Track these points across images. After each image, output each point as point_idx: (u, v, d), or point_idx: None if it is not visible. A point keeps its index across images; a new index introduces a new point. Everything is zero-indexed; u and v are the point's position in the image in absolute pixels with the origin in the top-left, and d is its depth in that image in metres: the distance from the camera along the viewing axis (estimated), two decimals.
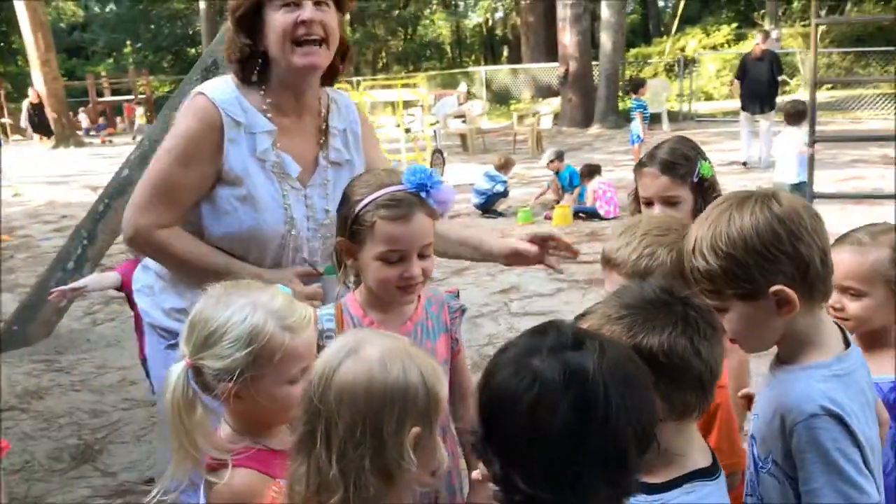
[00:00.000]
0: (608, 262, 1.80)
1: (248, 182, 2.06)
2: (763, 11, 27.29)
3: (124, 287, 3.63)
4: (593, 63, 19.90)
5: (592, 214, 9.34)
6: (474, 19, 38.63)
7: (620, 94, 20.49)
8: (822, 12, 25.16)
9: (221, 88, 2.09)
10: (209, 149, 2.04)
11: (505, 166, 10.20)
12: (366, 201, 1.78)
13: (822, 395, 1.40)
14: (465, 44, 40.58)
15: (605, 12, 18.95)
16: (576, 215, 9.38)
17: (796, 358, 1.49)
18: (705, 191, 2.37)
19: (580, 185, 9.73)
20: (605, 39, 18.88)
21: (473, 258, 2.40)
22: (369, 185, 1.82)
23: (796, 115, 8.43)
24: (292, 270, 2.12)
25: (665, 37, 30.82)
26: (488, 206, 9.90)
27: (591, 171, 9.65)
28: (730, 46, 26.66)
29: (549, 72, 23.00)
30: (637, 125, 12.36)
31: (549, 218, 9.39)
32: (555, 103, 19.43)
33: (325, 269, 2.15)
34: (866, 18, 24.66)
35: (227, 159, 2.05)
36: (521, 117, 17.51)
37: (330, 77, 2.22)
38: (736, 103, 14.14)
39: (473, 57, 38.93)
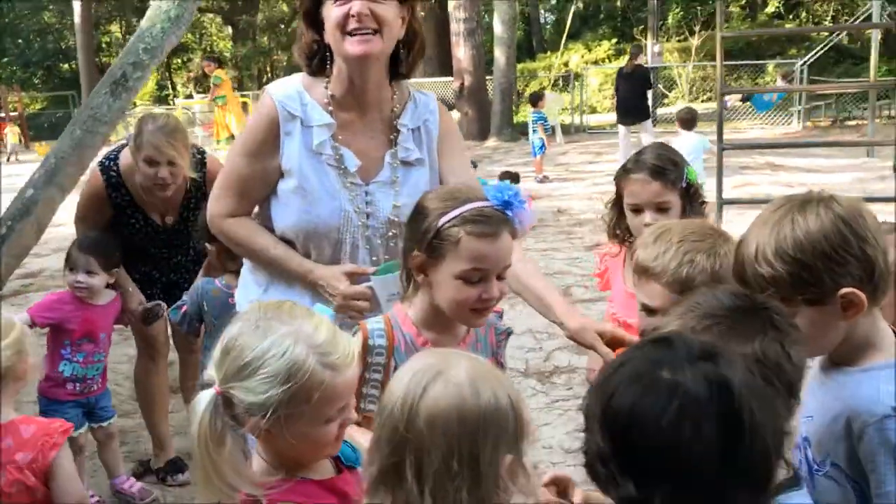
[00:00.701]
0: (645, 271, 1.76)
1: (300, 175, 2.09)
2: (642, 27, 28.46)
3: (36, 325, 3.27)
4: (487, 77, 20.17)
5: None
6: None
7: (514, 107, 20.86)
8: (697, 28, 26.66)
9: (285, 84, 2.17)
10: (268, 142, 2.12)
11: None
12: (451, 215, 1.69)
13: (892, 397, 1.40)
14: None
15: (497, 28, 19.26)
16: None
17: (856, 360, 1.49)
18: (692, 196, 2.39)
19: None
20: (499, 54, 19.15)
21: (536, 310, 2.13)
22: (451, 199, 1.73)
23: (691, 120, 9.13)
24: (341, 268, 2.08)
25: (548, 52, 31.67)
26: None
27: (511, 178, 9.73)
28: (611, 61, 27.64)
29: (444, 86, 23.14)
30: (539, 137, 12.59)
31: None
32: (455, 116, 19.54)
33: (379, 269, 2.05)
34: (769, 31, 26.11)
35: (283, 153, 2.11)
36: None
37: (398, 69, 2.18)
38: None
39: None
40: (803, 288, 1.41)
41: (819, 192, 1.50)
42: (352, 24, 1.99)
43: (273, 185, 2.15)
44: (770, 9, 29.00)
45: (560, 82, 24.94)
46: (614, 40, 30.37)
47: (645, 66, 15.04)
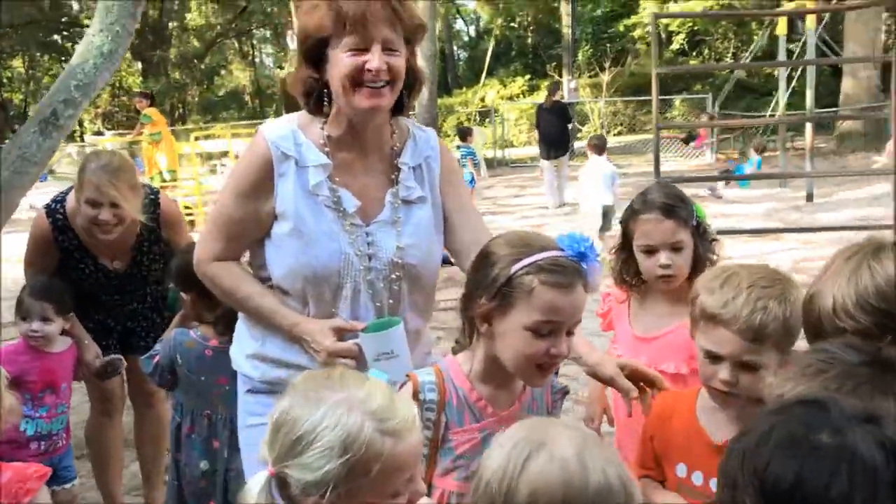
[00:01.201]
0: (712, 318, 1.69)
1: (296, 217, 1.99)
2: (554, 63, 29.16)
3: None
4: (410, 113, 20.25)
5: (445, 261, 9.33)
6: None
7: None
8: (607, 64, 27.51)
9: (279, 124, 2.07)
10: (259, 184, 2.02)
11: None
12: (525, 262, 1.59)
13: None
14: (266, 94, 39.97)
15: (420, 63, 19.38)
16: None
17: None
18: (701, 235, 2.35)
19: None
20: (423, 90, 19.27)
21: None
22: (524, 245, 1.63)
23: (601, 146, 9.60)
24: (329, 323, 1.94)
25: (464, 88, 32.11)
26: None
27: None
28: (525, 97, 28.22)
29: None
30: (469, 171, 12.66)
31: None
32: None
33: (369, 325, 1.91)
34: (704, 67, 27.13)
35: (277, 194, 2.01)
36: None
37: (398, 108, 2.08)
38: (536, 149, 15.01)
39: (274, 107, 38.35)
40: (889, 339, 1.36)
41: (882, 236, 1.48)
42: (366, 77, 1.90)
43: (266, 229, 2.04)
44: (675, 46, 30.14)
45: (477, 117, 25.25)
46: (527, 76, 31.04)
47: (563, 101, 15.44)
